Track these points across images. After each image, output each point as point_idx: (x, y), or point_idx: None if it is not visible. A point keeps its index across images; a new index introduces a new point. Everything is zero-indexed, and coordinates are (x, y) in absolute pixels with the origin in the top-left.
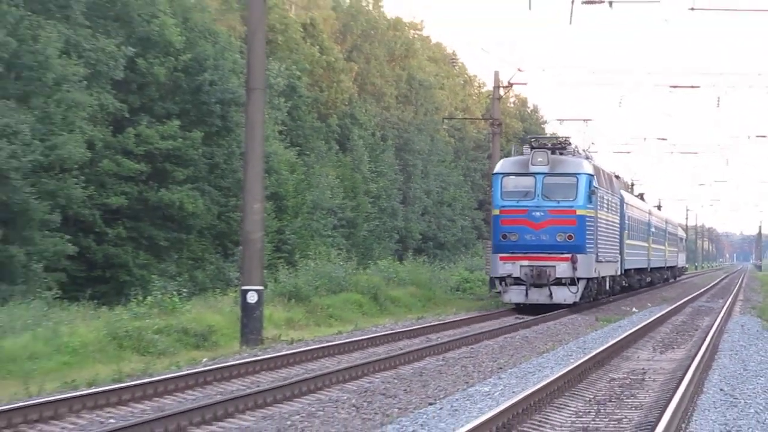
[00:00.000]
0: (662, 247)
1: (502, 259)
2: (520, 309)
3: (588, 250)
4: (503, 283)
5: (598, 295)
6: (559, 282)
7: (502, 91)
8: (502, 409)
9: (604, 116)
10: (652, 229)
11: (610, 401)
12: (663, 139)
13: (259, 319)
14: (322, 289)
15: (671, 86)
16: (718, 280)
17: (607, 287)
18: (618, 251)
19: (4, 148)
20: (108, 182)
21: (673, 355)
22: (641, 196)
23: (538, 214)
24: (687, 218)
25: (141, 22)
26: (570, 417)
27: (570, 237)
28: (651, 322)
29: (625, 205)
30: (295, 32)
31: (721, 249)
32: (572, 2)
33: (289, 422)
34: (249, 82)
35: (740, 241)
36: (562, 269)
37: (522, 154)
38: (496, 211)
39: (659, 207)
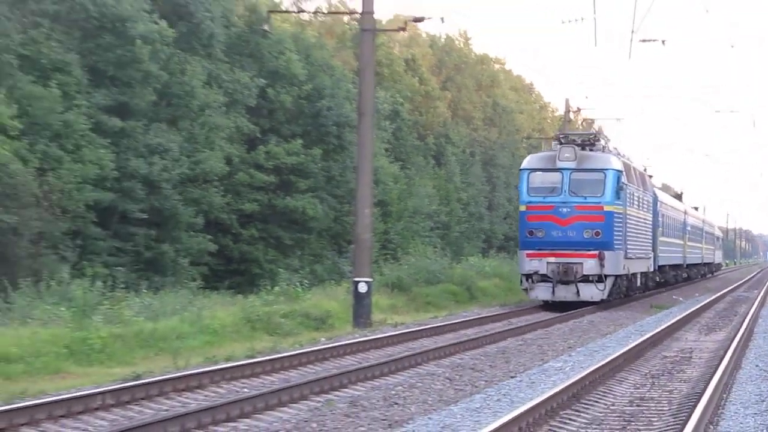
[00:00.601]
0: (699, 245)
1: (528, 255)
2: (548, 306)
3: (616, 246)
4: (530, 279)
5: (629, 292)
6: (586, 279)
7: (572, 115)
8: (572, 382)
9: (658, 134)
10: (688, 228)
11: (663, 375)
12: (707, 155)
13: (368, 305)
14: (420, 280)
15: (715, 110)
16: (753, 274)
17: (638, 283)
18: (650, 248)
19: (158, 162)
20: (243, 191)
21: (715, 337)
22: (678, 197)
23: (564, 210)
24: (727, 221)
25: (270, 58)
26: (629, 388)
27: (597, 233)
28: (697, 309)
29: (658, 203)
30: (399, 66)
31: (756, 247)
32: (631, 40)
33: (393, 392)
34: (360, 108)
35: None
36: (590, 266)
37: (551, 149)
38: (523, 207)
39: (696, 208)
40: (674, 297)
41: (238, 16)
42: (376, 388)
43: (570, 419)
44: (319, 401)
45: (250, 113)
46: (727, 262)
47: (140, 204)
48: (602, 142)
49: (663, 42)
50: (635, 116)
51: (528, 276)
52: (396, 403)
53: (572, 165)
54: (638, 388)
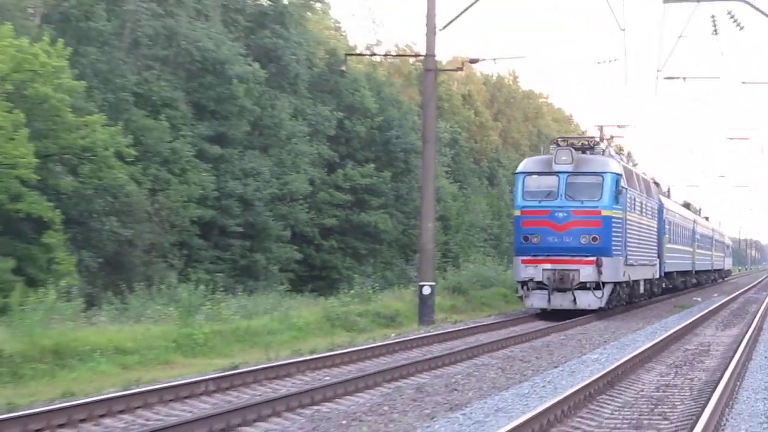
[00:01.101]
0: (708, 252)
1: (523, 262)
2: (545, 314)
3: (615, 252)
4: (525, 287)
5: (632, 299)
6: (583, 286)
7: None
8: (607, 371)
9: (679, 158)
10: (697, 236)
11: (685, 365)
12: (722, 176)
13: (431, 305)
14: (477, 284)
15: (728, 138)
16: (762, 278)
17: (642, 290)
18: (656, 254)
19: (251, 184)
20: (324, 208)
21: (730, 332)
22: (687, 206)
23: (560, 214)
24: (739, 233)
25: (347, 94)
26: (656, 376)
27: (595, 239)
28: (713, 308)
29: (664, 210)
30: (457, 100)
31: (765, 256)
32: (657, 78)
33: (453, 380)
34: (424, 137)
35: None
36: (587, 273)
37: (549, 153)
38: (518, 212)
39: (707, 218)
40: (694, 298)
41: (320, 58)
42: (438, 376)
43: (605, 403)
44: (390, 387)
45: (329, 141)
46: (739, 268)
47: (236, 219)
48: (602, 145)
49: (684, 79)
50: (661, 142)
51: (523, 283)
52: (456, 389)
53: (569, 168)
54: (664, 376)
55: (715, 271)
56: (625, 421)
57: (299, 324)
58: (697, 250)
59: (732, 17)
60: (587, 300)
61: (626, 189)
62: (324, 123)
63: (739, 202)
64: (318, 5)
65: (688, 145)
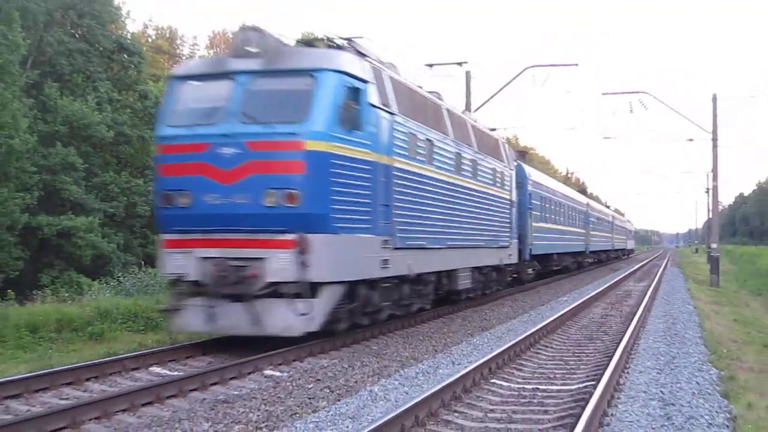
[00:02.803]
0: (608, 234)
1: (169, 244)
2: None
3: (341, 222)
4: (174, 292)
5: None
6: (276, 291)
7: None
8: (572, 307)
9: (615, 183)
10: (592, 219)
11: (616, 303)
12: (638, 194)
13: None
14: None
15: (641, 171)
16: (659, 253)
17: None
18: (509, 234)
19: None
20: None
21: (642, 284)
22: (583, 192)
23: (228, 151)
24: (647, 226)
25: None
26: (599, 310)
27: (291, 197)
28: (633, 270)
29: (529, 183)
30: None
31: (661, 239)
32: (602, 138)
33: (483, 313)
34: None
35: (671, 235)
36: (279, 264)
37: None
38: (159, 150)
39: (608, 206)
40: (621, 265)
41: None
42: (475, 311)
43: (571, 325)
44: (446, 319)
45: None
46: (647, 246)
47: None
48: (355, 45)
49: (617, 138)
50: (605, 175)
51: (172, 284)
52: (485, 319)
53: (255, 65)
54: (604, 310)
55: (618, 250)
56: (583, 336)
57: None
58: (592, 232)
59: (642, 103)
60: (282, 319)
61: (393, 115)
62: None
63: (648, 208)
64: None
65: (620, 176)
